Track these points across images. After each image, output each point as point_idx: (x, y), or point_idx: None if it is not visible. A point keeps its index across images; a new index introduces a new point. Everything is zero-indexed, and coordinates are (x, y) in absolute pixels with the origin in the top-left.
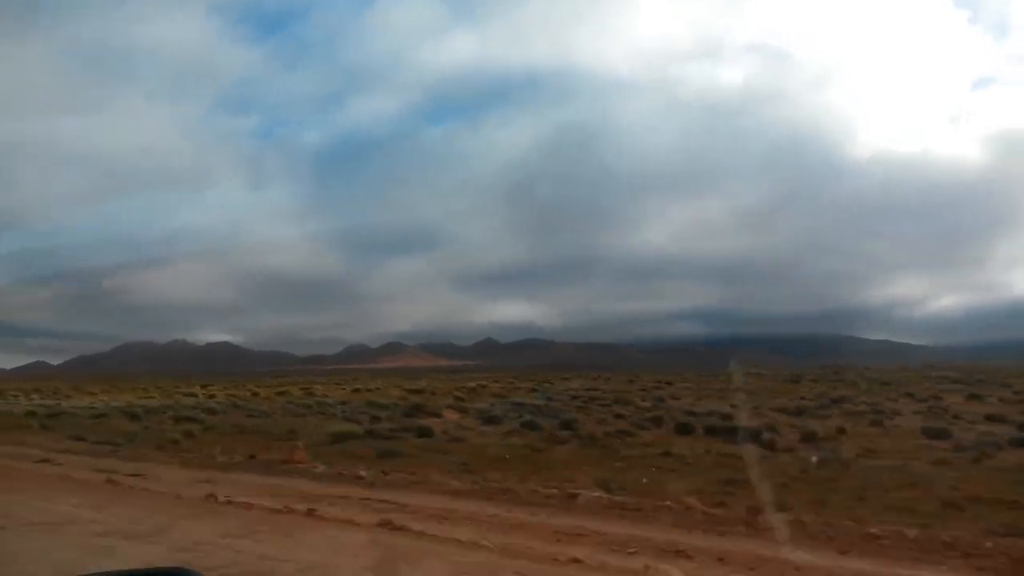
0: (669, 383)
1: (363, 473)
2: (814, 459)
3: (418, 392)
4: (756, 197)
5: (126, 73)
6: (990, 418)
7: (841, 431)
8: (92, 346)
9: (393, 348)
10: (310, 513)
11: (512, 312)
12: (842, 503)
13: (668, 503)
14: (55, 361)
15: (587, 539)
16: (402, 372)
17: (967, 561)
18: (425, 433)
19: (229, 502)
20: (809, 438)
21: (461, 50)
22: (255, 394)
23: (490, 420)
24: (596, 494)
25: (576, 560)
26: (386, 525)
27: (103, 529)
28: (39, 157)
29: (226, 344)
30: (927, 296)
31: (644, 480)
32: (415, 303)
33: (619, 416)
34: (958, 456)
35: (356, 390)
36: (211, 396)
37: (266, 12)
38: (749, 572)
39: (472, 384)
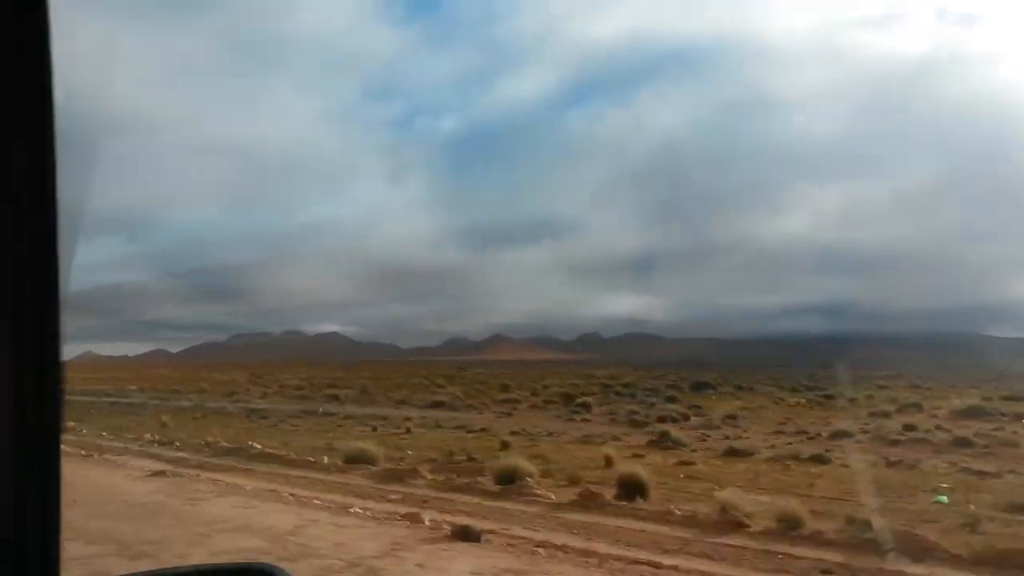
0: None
1: None
2: None
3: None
4: (916, 180)
5: (277, 61)
6: None
7: None
8: (210, 336)
9: (497, 340)
10: None
11: (623, 304)
12: None
13: None
14: (173, 349)
15: None
16: (500, 365)
17: None
18: None
19: None
20: None
21: (612, 25)
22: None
23: None
24: None
25: None
26: None
27: None
28: (183, 147)
29: (334, 335)
30: None
31: None
32: (524, 295)
33: None
34: None
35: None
36: None
37: None
38: None
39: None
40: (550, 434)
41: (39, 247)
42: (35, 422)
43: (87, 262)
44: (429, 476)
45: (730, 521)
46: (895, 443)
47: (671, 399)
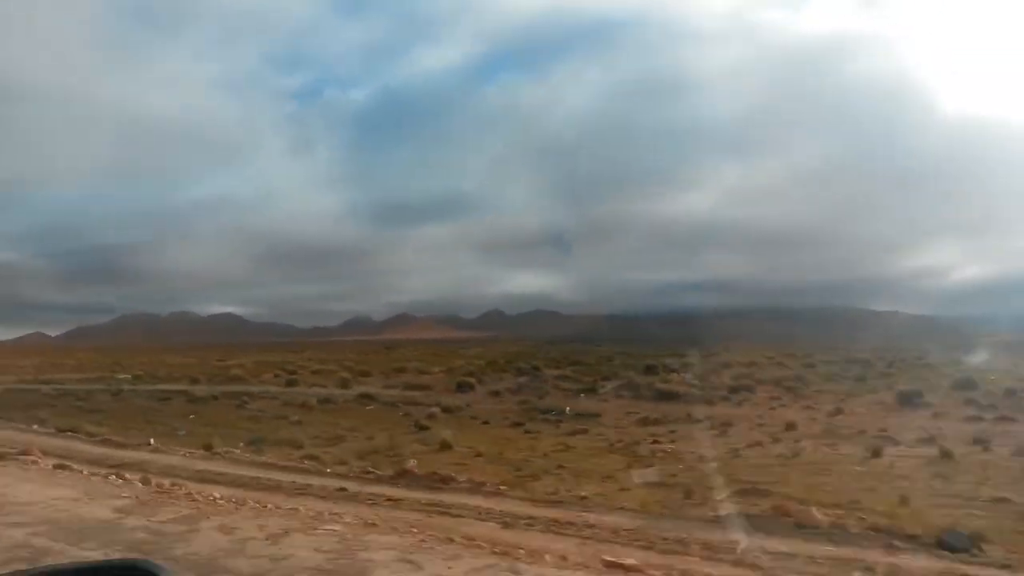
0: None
1: None
2: None
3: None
4: (815, 158)
5: (171, 26)
6: None
7: None
8: (91, 318)
9: (401, 320)
10: None
11: (528, 282)
12: None
13: None
14: (53, 332)
15: None
16: (400, 344)
17: None
18: None
19: None
20: None
21: None
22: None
23: None
24: None
25: None
26: None
27: None
28: (71, 116)
29: (229, 315)
30: (954, 265)
31: None
32: (430, 273)
33: None
34: None
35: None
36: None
37: None
38: None
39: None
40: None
41: None
42: None
43: None
44: None
45: None
46: None
47: None
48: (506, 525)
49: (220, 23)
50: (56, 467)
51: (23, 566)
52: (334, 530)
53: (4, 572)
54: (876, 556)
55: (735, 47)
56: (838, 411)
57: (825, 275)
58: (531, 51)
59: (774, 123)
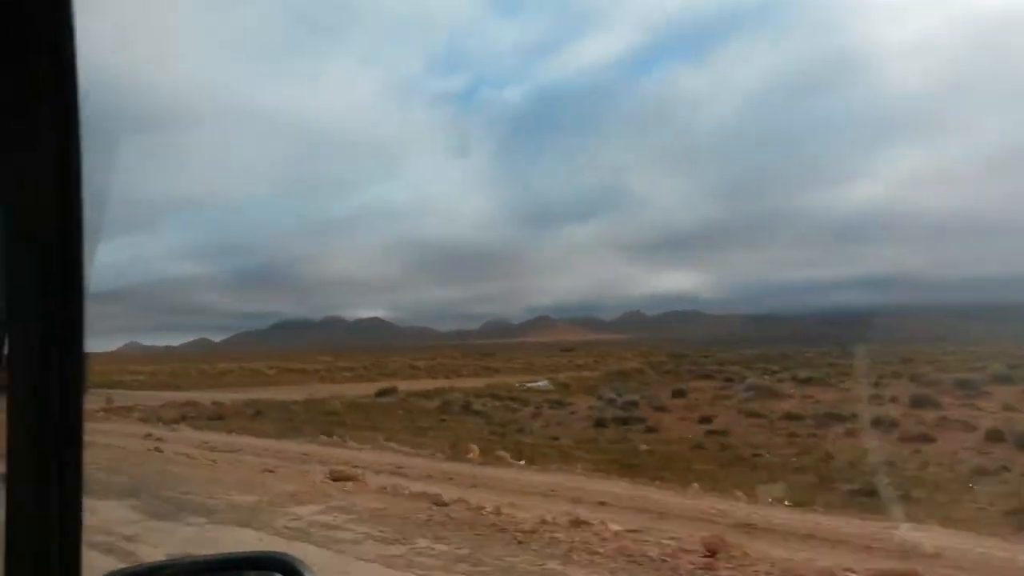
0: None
1: None
2: None
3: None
4: (1008, 137)
5: (339, 33)
6: None
7: None
8: (252, 323)
9: (539, 323)
10: None
11: (672, 281)
12: None
13: None
14: (216, 338)
15: None
16: (537, 348)
17: None
18: None
19: None
20: None
21: None
22: None
23: None
24: None
25: None
26: None
27: None
28: (235, 128)
29: (375, 320)
30: None
31: None
32: (571, 274)
33: None
34: None
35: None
36: None
37: None
38: None
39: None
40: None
41: (65, 239)
42: (57, 423)
43: (135, 254)
44: None
45: None
46: None
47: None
48: None
49: (382, 25)
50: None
51: None
52: None
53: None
54: None
55: (918, 20)
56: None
57: (1005, 268)
58: (693, 36)
59: (958, 102)
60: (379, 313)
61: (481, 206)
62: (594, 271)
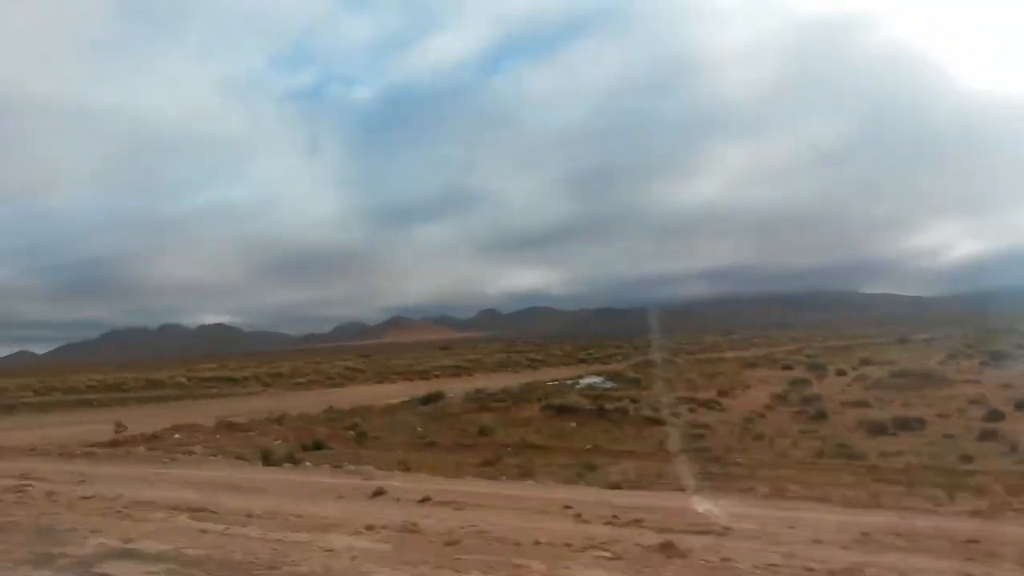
0: None
1: None
2: None
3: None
4: (828, 136)
5: (174, 26)
6: None
7: None
8: (80, 334)
9: (395, 323)
10: None
11: (525, 279)
12: None
13: None
14: (40, 350)
15: None
16: (393, 348)
17: None
18: None
19: None
20: None
21: None
22: None
23: None
24: None
25: None
26: None
27: None
28: (59, 125)
29: (219, 326)
30: (950, 243)
31: None
32: (426, 275)
33: None
34: None
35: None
36: None
37: None
38: None
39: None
40: None
41: None
42: None
43: None
44: None
45: None
46: None
47: None
48: None
49: (221, 21)
50: None
51: None
52: None
53: None
54: None
55: (745, 25)
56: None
57: (824, 258)
58: (541, 37)
59: (784, 103)
60: (223, 319)
61: (331, 206)
62: (448, 271)
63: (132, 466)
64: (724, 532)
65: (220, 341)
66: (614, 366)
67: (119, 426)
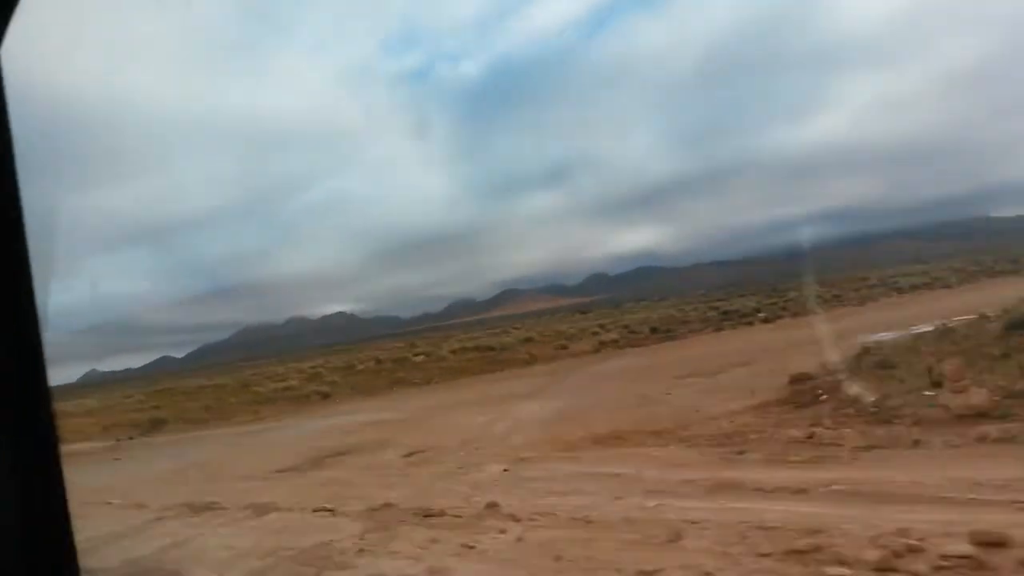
0: None
1: None
2: None
3: None
4: (965, 59)
5: (288, 24)
6: None
7: None
8: (212, 335)
9: (505, 297)
10: None
11: (632, 239)
12: None
13: None
14: (178, 355)
15: None
16: (502, 320)
17: None
18: None
19: None
20: None
21: None
22: None
23: None
24: None
25: None
26: None
27: None
28: (182, 134)
29: (340, 315)
30: None
31: None
32: (534, 245)
33: None
34: None
35: None
36: None
37: None
38: None
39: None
40: None
41: (13, 273)
42: (29, 423)
43: (89, 280)
44: None
45: None
46: None
47: None
48: None
49: (332, 11)
50: None
51: None
52: None
53: None
54: None
55: None
56: None
57: (953, 186)
58: None
59: (913, 29)
60: (344, 307)
61: (441, 186)
62: (556, 238)
63: None
64: None
65: (340, 329)
66: None
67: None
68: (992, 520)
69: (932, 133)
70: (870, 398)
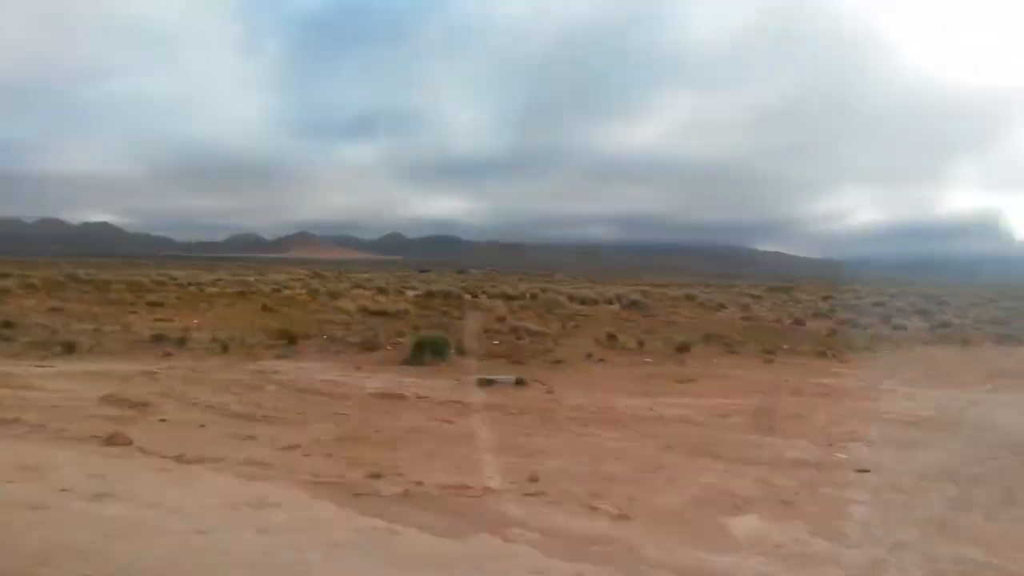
0: None
1: None
2: None
3: None
4: (774, 95)
5: None
6: None
7: None
8: None
9: (297, 239)
10: None
11: (439, 206)
12: None
13: None
14: None
15: None
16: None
17: None
18: None
19: None
20: None
21: None
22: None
23: None
24: None
25: None
26: None
27: None
28: None
29: (103, 225)
30: (853, 210)
31: None
32: (338, 192)
33: None
34: None
35: None
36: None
37: None
38: None
39: None
40: None
41: None
42: None
43: None
44: None
45: None
46: None
47: None
48: None
49: None
50: None
51: None
52: None
53: None
54: None
55: None
56: None
57: (732, 214)
58: None
59: (743, 57)
60: (109, 218)
61: (254, 112)
62: (362, 190)
63: None
64: None
65: (100, 241)
66: None
67: None
68: None
69: (728, 160)
70: None
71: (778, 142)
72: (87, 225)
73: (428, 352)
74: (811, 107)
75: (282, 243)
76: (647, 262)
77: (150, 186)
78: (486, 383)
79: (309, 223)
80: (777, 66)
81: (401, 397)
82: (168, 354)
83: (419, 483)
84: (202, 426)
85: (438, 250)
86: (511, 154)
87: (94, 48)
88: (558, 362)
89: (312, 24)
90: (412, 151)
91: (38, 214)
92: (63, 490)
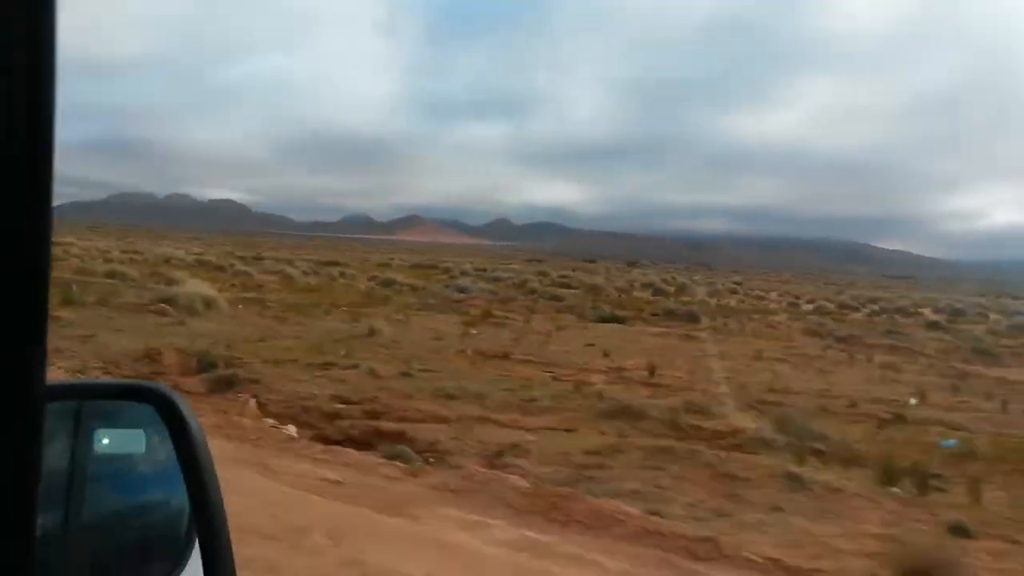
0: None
1: None
2: None
3: None
4: (926, 82)
5: None
6: None
7: None
8: (85, 192)
9: (408, 222)
10: None
11: (549, 193)
12: None
13: None
14: None
15: None
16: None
17: None
18: None
19: None
20: None
21: None
22: None
23: None
24: None
25: None
26: None
27: None
28: None
29: (228, 202)
30: (991, 209)
31: None
32: (452, 176)
33: None
34: None
35: None
36: None
37: None
38: None
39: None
40: None
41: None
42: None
43: None
44: None
45: None
46: None
47: None
48: None
49: None
50: None
51: None
52: None
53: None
54: None
55: None
56: None
57: (854, 208)
58: None
59: (897, 42)
60: (234, 195)
61: (383, 93)
62: (472, 174)
63: None
64: None
65: (225, 217)
66: None
67: None
68: None
69: (862, 153)
70: None
71: (921, 133)
72: (213, 202)
73: None
74: (965, 97)
75: (393, 225)
76: (756, 255)
77: (274, 165)
78: None
79: (420, 206)
80: (932, 51)
81: None
82: None
83: None
84: None
85: (543, 237)
86: (629, 141)
87: (239, 23)
88: None
89: (448, 5)
90: (528, 135)
91: (169, 189)
92: None
